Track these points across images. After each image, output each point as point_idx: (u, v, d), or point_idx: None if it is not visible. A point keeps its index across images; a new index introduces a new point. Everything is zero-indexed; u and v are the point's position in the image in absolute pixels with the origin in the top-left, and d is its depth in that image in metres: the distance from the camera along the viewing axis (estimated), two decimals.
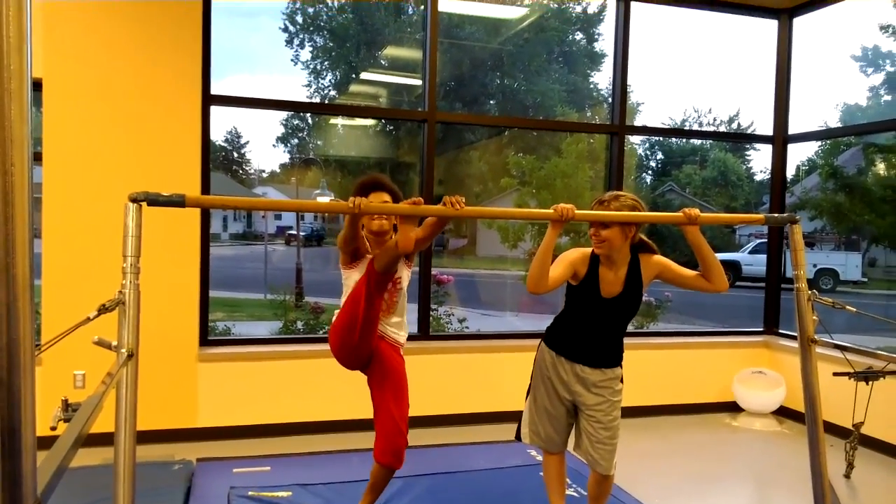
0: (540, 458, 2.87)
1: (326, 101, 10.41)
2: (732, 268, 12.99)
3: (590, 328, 2.59)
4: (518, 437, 2.80)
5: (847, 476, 3.79)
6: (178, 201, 1.96)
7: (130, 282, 1.85)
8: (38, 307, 3.91)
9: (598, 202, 2.53)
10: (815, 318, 2.60)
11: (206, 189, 4.17)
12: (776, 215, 2.57)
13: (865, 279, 12.57)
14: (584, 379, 2.59)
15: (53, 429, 1.27)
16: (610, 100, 5.27)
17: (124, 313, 1.84)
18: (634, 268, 2.55)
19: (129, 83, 3.91)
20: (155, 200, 1.92)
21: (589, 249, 2.58)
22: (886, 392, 3.81)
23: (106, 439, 1.75)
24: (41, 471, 0.88)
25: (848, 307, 2.61)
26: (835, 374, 3.58)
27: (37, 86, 3.81)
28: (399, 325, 2.79)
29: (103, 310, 1.78)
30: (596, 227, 2.47)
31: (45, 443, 1.08)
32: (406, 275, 2.75)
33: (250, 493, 3.13)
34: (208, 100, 4.16)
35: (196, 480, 3.39)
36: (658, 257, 2.60)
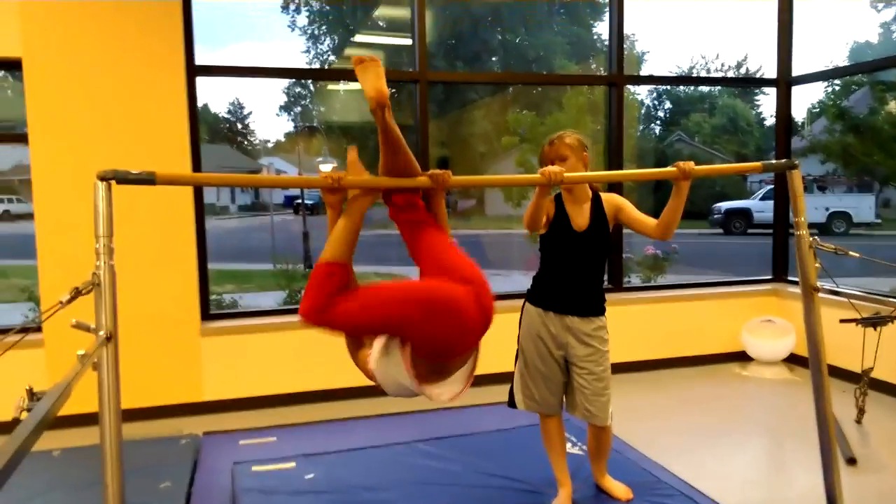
0: None
1: (326, 67, 10.19)
2: (744, 215, 12.82)
3: (569, 269, 2.62)
4: (511, 405, 2.78)
5: (858, 421, 3.76)
6: (148, 179, 1.90)
7: (104, 262, 1.81)
8: (37, 289, 3.91)
9: (548, 143, 2.61)
10: (817, 265, 2.54)
11: (196, 162, 4.12)
12: (774, 162, 2.46)
13: (879, 220, 12.35)
14: (573, 329, 2.61)
15: (16, 419, 1.25)
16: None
17: (100, 295, 1.81)
18: (597, 203, 2.65)
19: (110, 60, 3.84)
20: (124, 178, 1.85)
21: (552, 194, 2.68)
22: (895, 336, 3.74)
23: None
24: None
25: (851, 252, 2.54)
26: (841, 321, 3.53)
27: (17, 65, 3.74)
28: None
29: (77, 293, 1.75)
30: (557, 162, 2.51)
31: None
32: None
33: (254, 468, 3.11)
34: (193, 71, 4.09)
35: (203, 454, 3.41)
36: (613, 195, 2.72)
